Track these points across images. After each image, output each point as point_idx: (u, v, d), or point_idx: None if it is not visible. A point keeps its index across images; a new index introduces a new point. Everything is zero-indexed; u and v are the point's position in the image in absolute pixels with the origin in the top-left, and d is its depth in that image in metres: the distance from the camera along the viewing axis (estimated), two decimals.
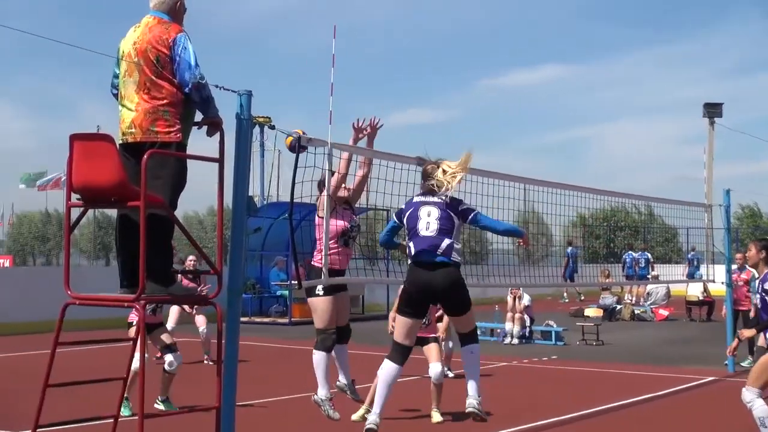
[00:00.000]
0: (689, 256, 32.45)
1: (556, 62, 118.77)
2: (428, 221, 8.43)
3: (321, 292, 9.71)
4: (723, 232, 16.95)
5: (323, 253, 8.98)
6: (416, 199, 8.74)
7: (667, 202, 17.21)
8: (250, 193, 7.61)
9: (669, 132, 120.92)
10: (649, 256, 34.07)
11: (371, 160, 9.69)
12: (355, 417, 10.54)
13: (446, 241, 8.28)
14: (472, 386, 8.41)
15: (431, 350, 11.04)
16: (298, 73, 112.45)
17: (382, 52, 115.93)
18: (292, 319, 24.99)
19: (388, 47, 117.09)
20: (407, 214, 8.62)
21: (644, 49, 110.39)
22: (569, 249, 32.18)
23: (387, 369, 8.49)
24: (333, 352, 9.93)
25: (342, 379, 10.16)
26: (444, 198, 8.51)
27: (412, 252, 8.44)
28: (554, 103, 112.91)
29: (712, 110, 48.68)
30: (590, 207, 15.69)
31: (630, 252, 34.05)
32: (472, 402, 8.32)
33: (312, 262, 9.80)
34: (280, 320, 25.32)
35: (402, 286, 8.95)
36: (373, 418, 8.38)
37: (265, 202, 27.65)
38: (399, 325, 8.67)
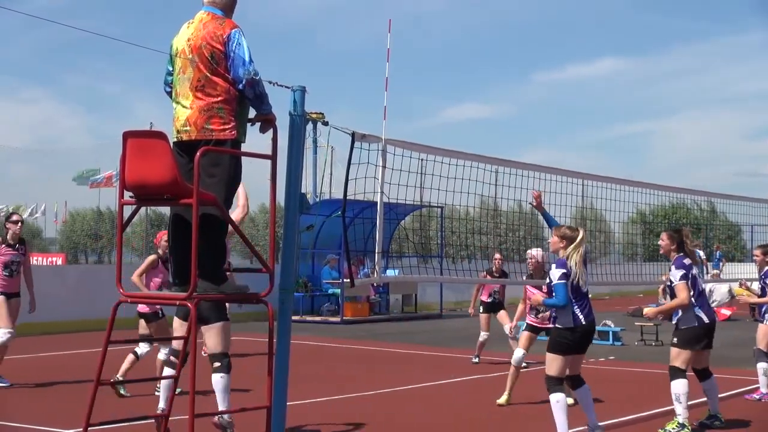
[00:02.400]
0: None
1: (614, 55, 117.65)
2: None
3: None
4: None
5: None
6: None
7: (731, 198, 17.07)
8: (303, 191, 7.64)
9: (734, 126, 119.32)
10: (702, 254, 33.61)
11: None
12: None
13: None
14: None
15: (522, 337, 12.55)
16: (350, 68, 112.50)
17: (436, 45, 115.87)
18: (344, 318, 25.04)
19: (441, 40, 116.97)
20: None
21: (706, 40, 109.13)
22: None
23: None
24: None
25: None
26: None
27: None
28: (613, 97, 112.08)
29: None
30: (650, 203, 15.62)
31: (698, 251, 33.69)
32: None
33: None
34: (331, 319, 25.38)
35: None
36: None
37: (317, 200, 27.66)
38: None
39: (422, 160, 9.66)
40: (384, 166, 8.62)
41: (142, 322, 12.04)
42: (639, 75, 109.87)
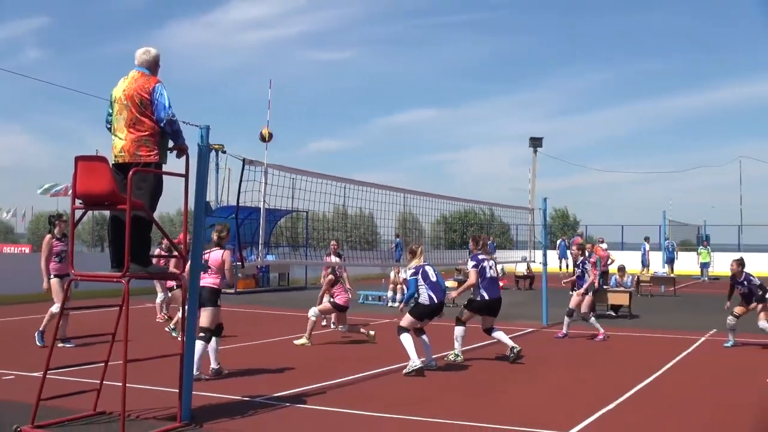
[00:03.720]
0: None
1: (428, 107, 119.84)
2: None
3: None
4: (541, 227, 17.36)
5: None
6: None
7: (503, 206, 17.56)
8: (207, 199, 7.58)
9: (506, 157, 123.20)
10: (494, 243, 34.42)
11: None
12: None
13: None
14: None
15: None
16: (245, 112, 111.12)
17: (306, 96, 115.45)
18: (237, 290, 24.87)
19: (309, 94, 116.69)
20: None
21: (493, 97, 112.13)
22: (397, 239, 31.61)
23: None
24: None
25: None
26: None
27: None
28: (426, 135, 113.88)
29: (536, 142, 49.62)
30: (450, 209, 15.94)
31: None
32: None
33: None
34: (228, 291, 25.09)
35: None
36: None
37: (218, 206, 27.36)
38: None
39: (293, 178, 9.64)
40: (266, 183, 8.62)
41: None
42: (444, 121, 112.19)
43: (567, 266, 35.15)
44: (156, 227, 7.21)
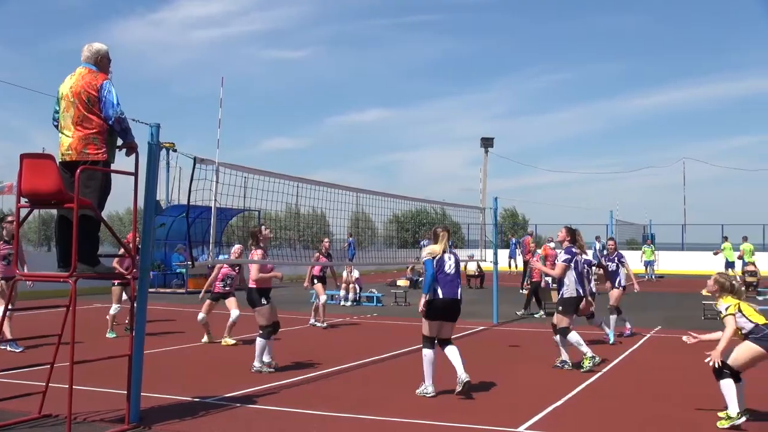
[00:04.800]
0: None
1: (380, 107, 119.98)
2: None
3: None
4: (492, 226, 17.50)
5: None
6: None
7: (454, 205, 17.65)
8: (157, 198, 7.46)
9: (458, 157, 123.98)
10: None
11: None
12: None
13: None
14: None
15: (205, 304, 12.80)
16: (197, 111, 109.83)
17: (258, 94, 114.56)
18: (188, 290, 24.62)
19: (263, 91, 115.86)
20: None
21: (444, 98, 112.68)
22: (350, 239, 31.41)
23: None
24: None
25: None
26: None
27: None
28: (378, 135, 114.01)
29: (487, 142, 50.08)
30: (402, 208, 15.98)
31: (425, 240, 34.55)
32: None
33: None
34: (178, 290, 24.86)
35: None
36: None
37: (169, 205, 26.99)
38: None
39: (245, 177, 9.52)
40: (217, 182, 8.50)
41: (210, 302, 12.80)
42: (397, 120, 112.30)
43: (516, 265, 35.54)
44: (104, 226, 7.08)
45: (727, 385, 7.14)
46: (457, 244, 39.55)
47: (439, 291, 8.72)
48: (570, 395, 8.70)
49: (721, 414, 7.24)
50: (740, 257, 27.67)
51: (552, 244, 26.69)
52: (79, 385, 6.94)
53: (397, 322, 16.57)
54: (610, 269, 14.07)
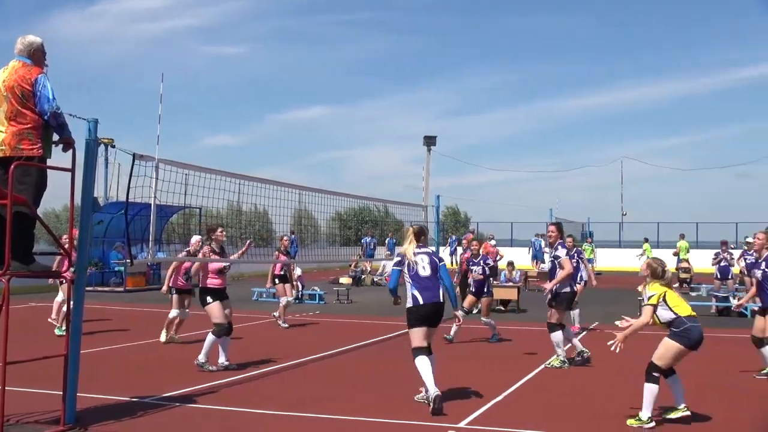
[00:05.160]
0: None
1: (323, 104, 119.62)
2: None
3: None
4: (434, 224, 17.62)
5: None
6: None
7: (397, 203, 17.71)
8: (95, 195, 7.33)
9: (401, 155, 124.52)
10: (376, 240, 34.83)
11: None
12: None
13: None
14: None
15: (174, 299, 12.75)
16: (138, 106, 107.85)
17: (200, 90, 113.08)
18: (127, 288, 24.25)
19: (204, 87, 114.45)
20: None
21: (387, 96, 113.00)
22: (292, 236, 31.03)
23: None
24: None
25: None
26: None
27: None
28: (321, 132, 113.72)
29: (429, 140, 50.40)
30: (345, 206, 16.00)
31: (366, 237, 34.60)
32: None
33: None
34: (117, 289, 24.43)
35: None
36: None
37: (107, 202, 26.54)
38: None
39: (186, 174, 9.39)
40: (157, 178, 8.39)
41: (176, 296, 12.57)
42: (339, 118, 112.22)
43: (456, 262, 35.84)
44: (40, 224, 6.93)
45: (650, 390, 7.14)
46: (399, 242, 39.70)
47: (419, 296, 7.96)
48: (510, 390, 8.82)
49: (642, 414, 7.20)
50: (675, 254, 28.38)
51: (493, 242, 26.99)
52: (12, 386, 6.76)
53: (339, 320, 16.57)
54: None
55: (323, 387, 9.06)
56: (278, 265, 15.04)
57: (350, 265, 29.38)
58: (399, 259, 8.24)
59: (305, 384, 9.27)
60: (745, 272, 18.63)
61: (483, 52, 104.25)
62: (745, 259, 18.40)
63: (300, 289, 21.18)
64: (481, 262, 13.67)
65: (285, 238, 15.33)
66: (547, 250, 17.82)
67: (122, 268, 24.99)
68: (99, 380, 8.99)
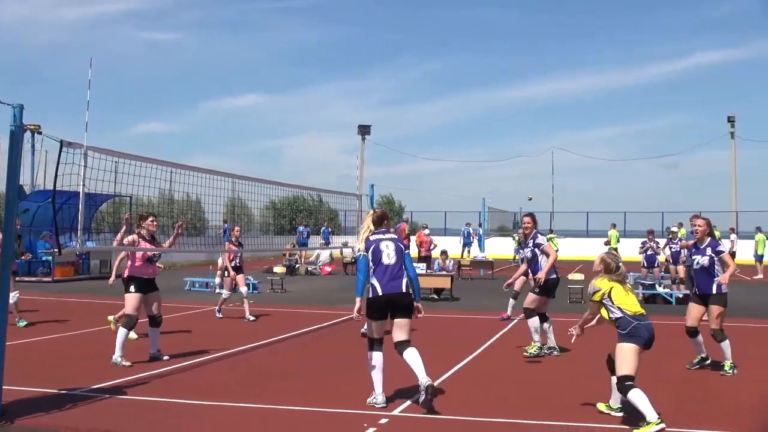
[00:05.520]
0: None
1: (258, 92, 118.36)
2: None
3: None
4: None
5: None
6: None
7: (331, 192, 17.69)
8: (21, 183, 7.13)
9: (335, 144, 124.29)
10: (310, 229, 34.78)
11: None
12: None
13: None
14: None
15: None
16: (68, 92, 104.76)
17: (132, 76, 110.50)
18: (55, 278, 23.70)
19: (135, 73, 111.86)
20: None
21: (321, 85, 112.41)
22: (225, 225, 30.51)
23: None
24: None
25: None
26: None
27: None
28: (256, 121, 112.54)
29: (364, 130, 50.54)
30: (279, 195, 15.91)
31: (300, 227, 34.50)
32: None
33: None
34: (44, 279, 23.84)
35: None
36: None
37: (34, 190, 25.84)
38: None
39: (116, 162, 9.18)
40: (85, 166, 8.17)
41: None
42: (273, 106, 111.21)
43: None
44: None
45: (635, 396, 6.48)
46: (334, 231, 39.72)
47: (378, 286, 7.45)
48: (442, 378, 8.92)
49: (651, 418, 6.37)
50: (606, 243, 29.10)
51: (427, 231, 27.23)
52: None
53: (273, 310, 16.50)
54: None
55: (257, 377, 9.03)
56: (229, 255, 14.91)
57: (284, 255, 29.27)
58: (363, 245, 7.62)
59: (238, 374, 9.22)
60: (671, 261, 19.24)
61: (416, 41, 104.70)
62: (670, 248, 19.04)
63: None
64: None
65: (237, 228, 15.24)
66: (515, 241, 18.09)
67: (50, 258, 24.43)
68: (27, 372, 8.78)
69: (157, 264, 10.39)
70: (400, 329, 7.52)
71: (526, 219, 11.20)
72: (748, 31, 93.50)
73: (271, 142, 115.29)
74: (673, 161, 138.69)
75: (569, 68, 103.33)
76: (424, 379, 7.22)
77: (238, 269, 15.09)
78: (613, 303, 6.90)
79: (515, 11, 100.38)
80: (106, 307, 16.33)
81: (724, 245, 10.06)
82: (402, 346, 7.50)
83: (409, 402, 7.65)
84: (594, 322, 7.27)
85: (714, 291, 9.45)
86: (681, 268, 17.25)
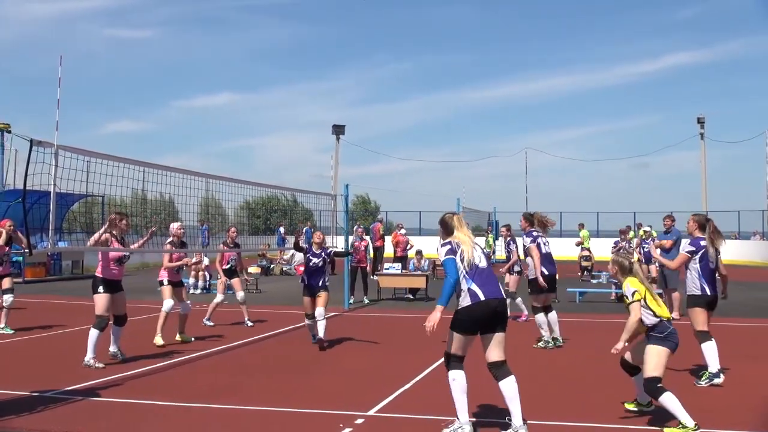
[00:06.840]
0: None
1: (230, 90, 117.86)
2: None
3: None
4: (343, 213, 17.63)
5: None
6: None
7: (306, 192, 17.65)
8: None
9: (310, 144, 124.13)
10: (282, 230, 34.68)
11: None
12: None
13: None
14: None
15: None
16: (34, 89, 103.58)
17: (100, 74, 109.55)
18: (26, 279, 23.46)
19: (105, 71, 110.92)
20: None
21: (295, 84, 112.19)
22: (203, 226, 30.00)
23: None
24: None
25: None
26: None
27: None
28: (228, 119, 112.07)
29: (338, 129, 50.50)
30: (253, 195, 15.81)
31: (281, 228, 34.43)
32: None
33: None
34: (15, 280, 23.52)
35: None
36: None
37: (3, 189, 25.53)
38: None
39: (88, 161, 9.08)
40: (56, 165, 8.08)
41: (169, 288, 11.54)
42: (246, 105, 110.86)
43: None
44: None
45: (668, 399, 6.30)
46: (313, 231, 39.63)
47: (479, 291, 6.27)
48: (417, 378, 8.92)
49: (687, 423, 6.28)
50: (579, 244, 29.27)
51: (403, 231, 27.21)
52: None
53: (250, 310, 16.38)
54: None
55: (231, 377, 8.97)
56: (225, 258, 14.08)
57: (259, 255, 29.11)
58: (450, 247, 6.56)
59: (213, 374, 9.15)
60: (643, 260, 19.42)
61: (389, 41, 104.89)
62: (642, 248, 19.19)
63: (207, 278, 20.90)
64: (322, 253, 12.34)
65: (233, 229, 14.11)
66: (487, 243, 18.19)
67: (21, 258, 24.14)
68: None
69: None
70: (499, 346, 6.34)
71: (521, 219, 11.80)
72: (717, 33, 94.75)
73: (244, 141, 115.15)
74: (643, 161, 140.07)
75: (541, 69, 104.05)
76: (518, 423, 6.18)
77: (233, 272, 14.15)
78: (649, 308, 6.64)
79: (489, 11, 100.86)
80: (78, 308, 16.18)
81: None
82: (502, 370, 6.35)
83: (384, 402, 7.63)
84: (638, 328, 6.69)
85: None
86: (654, 268, 17.39)
